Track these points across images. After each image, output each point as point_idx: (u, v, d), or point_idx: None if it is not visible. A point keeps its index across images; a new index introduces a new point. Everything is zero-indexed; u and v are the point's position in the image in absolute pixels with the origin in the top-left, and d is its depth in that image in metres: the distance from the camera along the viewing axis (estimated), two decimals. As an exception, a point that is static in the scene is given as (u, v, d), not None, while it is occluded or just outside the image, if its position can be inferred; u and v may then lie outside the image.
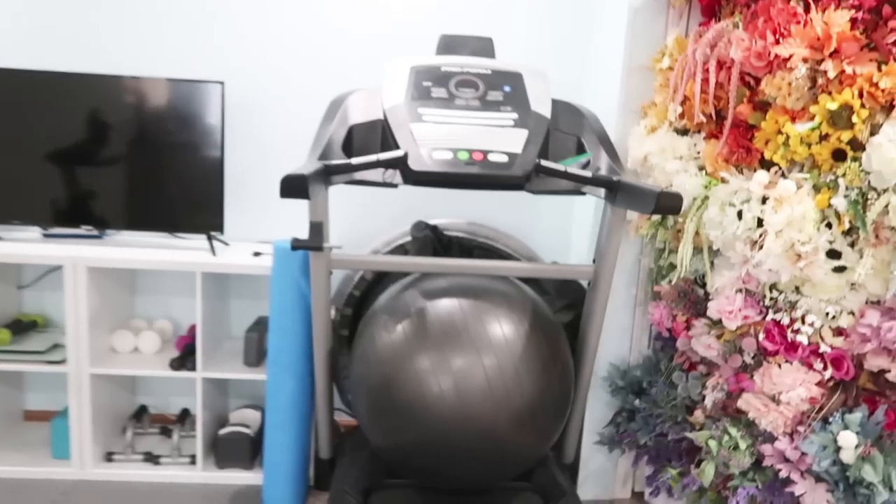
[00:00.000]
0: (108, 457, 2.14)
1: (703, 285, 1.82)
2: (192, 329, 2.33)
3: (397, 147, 1.75)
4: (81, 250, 2.02)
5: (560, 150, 1.89)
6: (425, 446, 1.63)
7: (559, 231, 2.46)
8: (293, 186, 1.38)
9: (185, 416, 2.26)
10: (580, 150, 1.88)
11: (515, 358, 1.63)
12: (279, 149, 2.34)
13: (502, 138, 1.77)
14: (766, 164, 1.62)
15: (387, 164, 1.66)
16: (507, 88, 1.89)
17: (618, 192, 1.66)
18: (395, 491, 1.84)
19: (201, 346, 2.05)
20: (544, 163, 1.67)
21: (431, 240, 2.09)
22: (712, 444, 1.64)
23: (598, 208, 2.16)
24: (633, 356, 2.11)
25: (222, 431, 2.14)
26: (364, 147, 1.86)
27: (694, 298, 1.82)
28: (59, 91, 2.05)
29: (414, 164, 1.68)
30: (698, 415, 1.77)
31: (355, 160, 1.63)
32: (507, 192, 2.46)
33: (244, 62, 2.28)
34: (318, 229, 1.71)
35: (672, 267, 1.93)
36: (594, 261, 1.84)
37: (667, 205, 1.44)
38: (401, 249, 2.21)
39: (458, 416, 1.59)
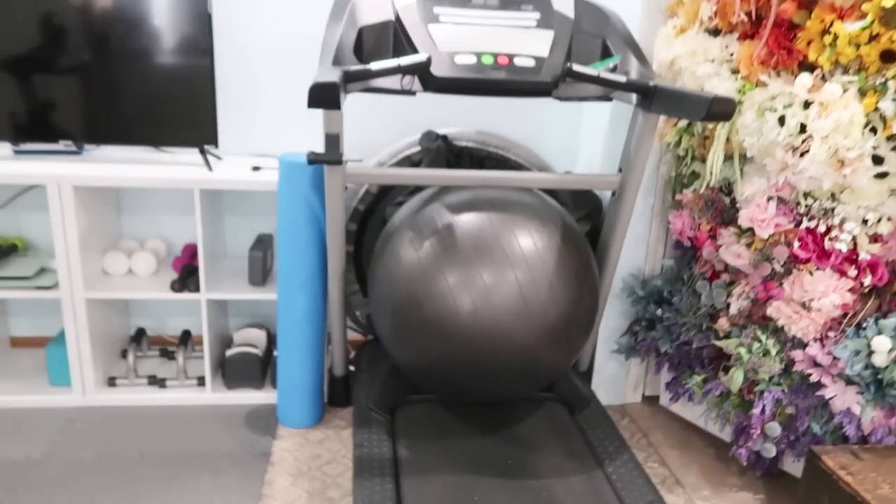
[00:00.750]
0: (111, 382, 2.06)
1: (729, 193, 1.79)
2: (187, 249, 2.21)
3: (413, 50, 1.63)
4: (64, 168, 1.86)
5: (584, 54, 1.78)
6: (458, 363, 1.60)
7: (567, 138, 2.38)
8: (323, 95, 1.26)
9: (186, 338, 2.18)
10: (605, 53, 1.78)
11: (549, 272, 1.59)
12: (267, 55, 2.16)
13: (527, 40, 1.65)
14: (806, 67, 1.55)
15: (408, 70, 1.54)
16: (526, -15, 1.75)
17: (654, 97, 1.58)
18: (420, 406, 1.83)
19: (204, 267, 1.95)
20: (576, 67, 1.57)
21: (444, 151, 1.99)
22: (742, 351, 1.66)
23: (615, 115, 2.07)
24: (649, 266, 2.09)
25: (230, 352, 2.08)
26: (375, 51, 1.72)
27: (721, 207, 1.78)
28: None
29: (436, 70, 1.56)
30: (723, 322, 1.77)
31: (374, 66, 1.50)
32: (513, 99, 2.35)
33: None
34: (335, 141, 1.59)
35: (694, 175, 1.88)
36: (620, 170, 1.78)
37: (719, 111, 1.37)
38: (408, 161, 2.10)
39: (494, 333, 1.55)
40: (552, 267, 1.58)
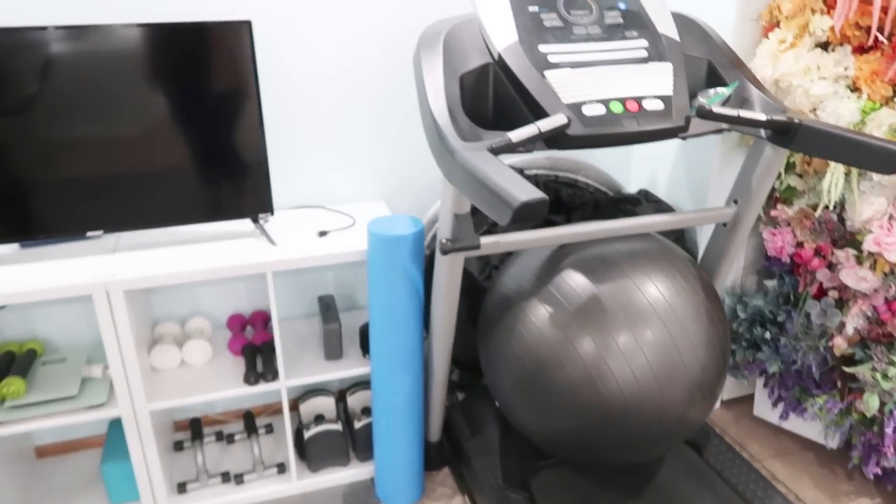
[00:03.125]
0: (181, 488, 1.82)
1: (832, 208, 1.73)
2: (234, 321, 1.95)
3: (527, 101, 1.43)
4: (105, 267, 1.56)
5: (690, 79, 1.63)
6: (609, 436, 1.50)
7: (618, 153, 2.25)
8: (534, 214, 1.06)
9: (251, 422, 1.95)
10: (711, 76, 1.64)
11: (700, 326, 1.49)
12: (306, 93, 1.87)
13: (647, 77, 1.49)
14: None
15: (547, 135, 1.35)
16: (621, 5, 1.58)
17: (795, 135, 1.47)
18: (551, 473, 1.72)
19: (282, 352, 1.71)
20: (717, 108, 1.43)
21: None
22: (878, 377, 1.64)
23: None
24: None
25: (310, 433, 1.88)
26: (475, 100, 1.51)
27: (831, 227, 1.73)
28: (32, 49, 1.45)
29: (572, 129, 1.38)
30: (840, 342, 1.75)
31: (514, 136, 1.31)
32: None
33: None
34: (466, 223, 1.40)
35: (790, 190, 1.81)
36: (735, 201, 1.68)
37: (916, 165, 1.27)
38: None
39: (652, 402, 1.46)
40: (701, 320, 1.49)
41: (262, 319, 1.97)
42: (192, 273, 1.56)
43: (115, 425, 1.91)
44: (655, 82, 1.49)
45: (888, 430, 1.67)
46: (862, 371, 1.68)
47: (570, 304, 1.49)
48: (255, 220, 1.73)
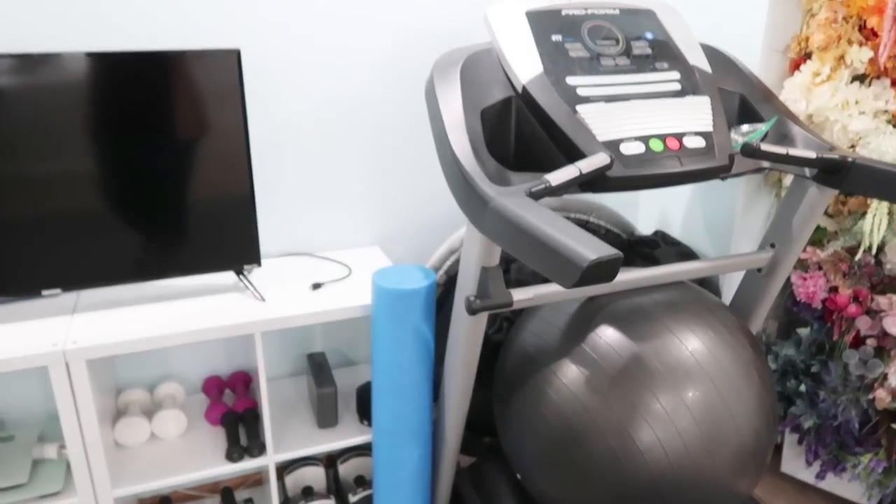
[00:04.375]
0: (149, 585, 1.57)
1: (871, 251, 1.62)
2: (210, 385, 1.72)
3: (553, 136, 1.28)
4: (62, 332, 1.33)
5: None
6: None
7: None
8: (605, 272, 0.89)
9: (229, 497, 1.71)
10: (744, 111, 1.51)
11: (754, 389, 1.34)
12: (294, 129, 1.68)
13: (685, 113, 1.35)
14: None
15: (588, 177, 1.19)
16: (648, 35, 1.45)
17: (848, 174, 1.34)
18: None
19: (270, 425, 1.49)
20: (766, 146, 1.30)
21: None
22: (933, 436, 1.51)
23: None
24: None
25: (299, 513, 1.65)
26: (493, 137, 1.35)
27: (871, 271, 1.61)
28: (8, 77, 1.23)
29: (612, 170, 1.22)
30: (882, 394, 1.62)
31: (554, 178, 1.15)
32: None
33: (242, 27, 1.55)
34: (497, 276, 1.22)
35: (821, 231, 1.69)
36: (772, 245, 1.55)
37: None
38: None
39: (707, 474, 1.29)
40: (752, 379, 1.34)
41: (242, 381, 1.74)
42: (167, 337, 1.34)
43: (71, 510, 1.65)
44: (694, 118, 1.35)
45: (941, 492, 1.54)
46: (914, 428, 1.55)
47: (608, 364, 1.32)
48: (240, 273, 1.52)
